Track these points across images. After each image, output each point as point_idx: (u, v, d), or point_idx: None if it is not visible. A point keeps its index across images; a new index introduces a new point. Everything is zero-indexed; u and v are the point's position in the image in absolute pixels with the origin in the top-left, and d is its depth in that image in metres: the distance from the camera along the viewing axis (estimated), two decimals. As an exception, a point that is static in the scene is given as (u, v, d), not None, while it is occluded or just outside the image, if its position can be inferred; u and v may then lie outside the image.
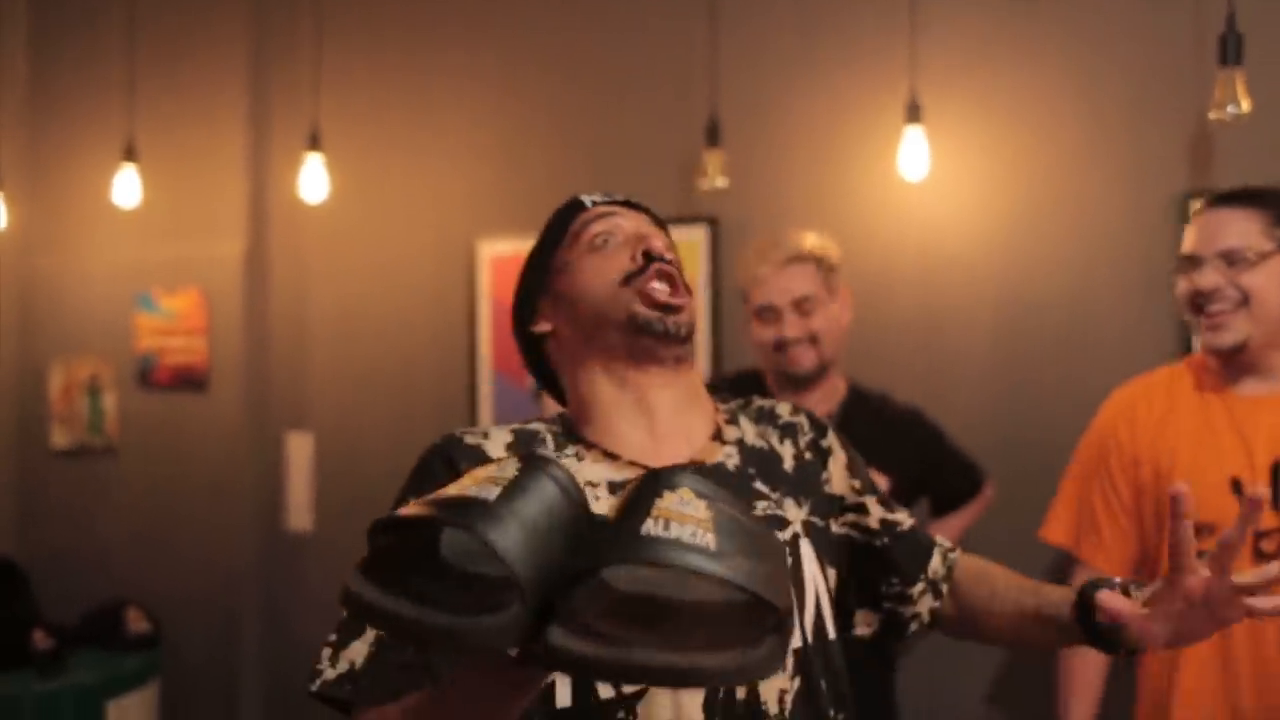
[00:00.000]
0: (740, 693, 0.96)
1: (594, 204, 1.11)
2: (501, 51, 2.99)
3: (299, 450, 3.21)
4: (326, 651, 0.96)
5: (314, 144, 2.85)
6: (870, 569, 1.14)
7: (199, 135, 3.24)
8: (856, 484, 1.15)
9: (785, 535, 1.04)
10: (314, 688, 0.95)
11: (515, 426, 1.07)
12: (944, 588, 1.15)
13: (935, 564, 1.16)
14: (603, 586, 0.65)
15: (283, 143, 3.18)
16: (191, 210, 3.25)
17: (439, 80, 3.06)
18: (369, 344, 3.13)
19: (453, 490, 0.69)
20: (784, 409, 1.15)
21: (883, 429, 2.03)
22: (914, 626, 1.16)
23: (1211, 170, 2.29)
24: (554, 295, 1.09)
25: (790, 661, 1.00)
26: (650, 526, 0.63)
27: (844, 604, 1.13)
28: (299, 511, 3.20)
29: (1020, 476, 2.30)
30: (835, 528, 1.12)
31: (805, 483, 1.10)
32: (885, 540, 1.14)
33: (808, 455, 1.12)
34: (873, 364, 2.42)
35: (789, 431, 1.13)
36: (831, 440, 1.15)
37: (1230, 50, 1.98)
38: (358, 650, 0.94)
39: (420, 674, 0.91)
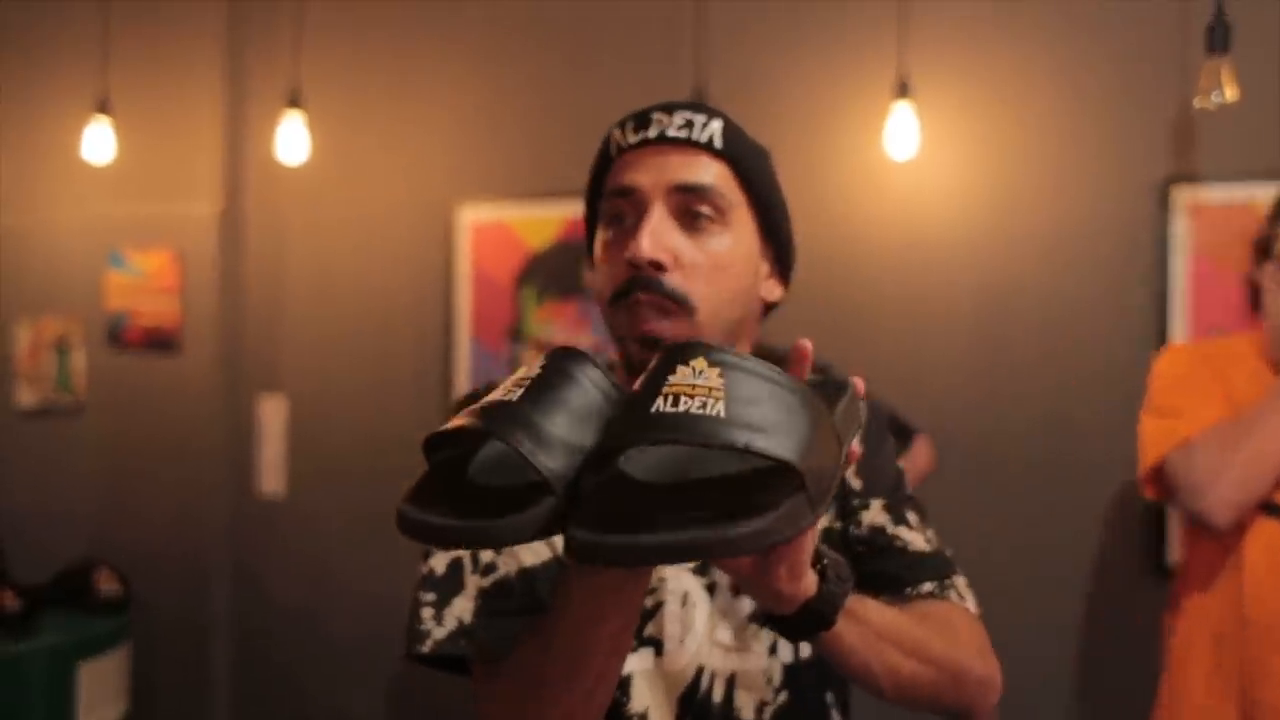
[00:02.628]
0: (717, 697, 0.97)
1: (621, 150, 0.97)
2: (486, 15, 2.95)
3: (272, 413, 3.18)
4: (427, 611, 0.92)
5: (294, 102, 2.80)
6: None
7: (175, 90, 3.17)
8: (859, 484, 1.06)
9: None
10: (424, 649, 0.91)
11: None
12: None
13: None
14: (621, 476, 0.64)
15: (260, 101, 3.12)
16: (166, 167, 3.18)
17: (422, 42, 3.02)
18: (345, 308, 3.10)
19: (485, 400, 0.69)
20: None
21: None
22: None
23: (1194, 157, 2.32)
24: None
25: (779, 676, 0.99)
26: (660, 405, 0.61)
27: None
28: (271, 475, 3.18)
29: (998, 454, 2.33)
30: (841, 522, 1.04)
31: None
32: (861, 549, 1.03)
33: None
34: (853, 342, 2.44)
35: None
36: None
37: (1218, 38, 2.00)
38: (462, 606, 0.92)
39: (531, 617, 0.88)
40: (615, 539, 0.59)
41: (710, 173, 0.94)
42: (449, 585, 0.93)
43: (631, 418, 0.63)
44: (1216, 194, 2.30)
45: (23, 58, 3.35)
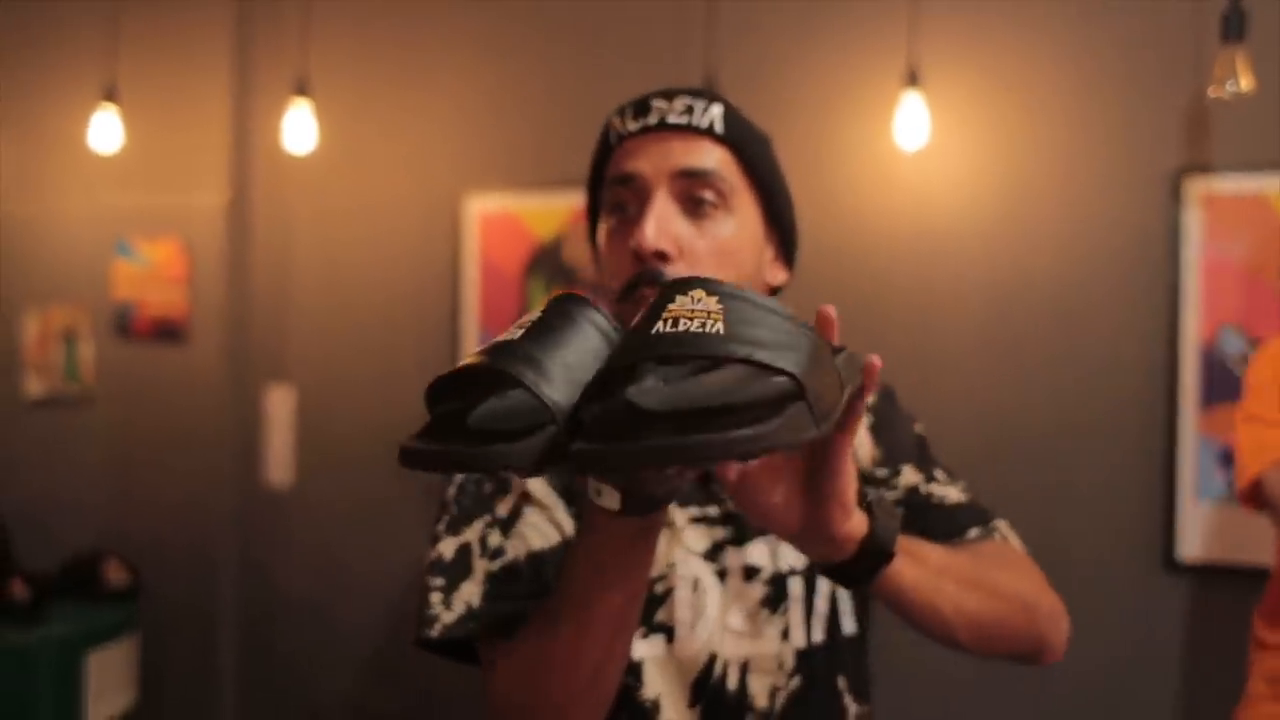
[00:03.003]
0: (730, 683, 0.97)
1: (622, 138, 0.97)
2: (495, 4, 2.94)
3: (280, 403, 3.18)
4: (436, 597, 0.92)
5: (301, 92, 2.79)
6: None
7: (182, 79, 3.16)
8: (879, 453, 1.07)
9: None
10: (433, 633, 0.90)
11: None
12: None
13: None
14: (623, 400, 0.64)
15: (268, 90, 3.12)
16: (173, 156, 3.18)
17: (429, 31, 3.01)
18: (353, 298, 3.09)
19: (488, 342, 0.70)
20: None
21: None
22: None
23: (1207, 147, 2.30)
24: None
25: (791, 661, 0.99)
26: (660, 327, 0.62)
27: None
28: (278, 465, 3.18)
29: (1007, 446, 2.32)
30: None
31: None
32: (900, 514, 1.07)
33: None
34: (861, 332, 2.42)
35: None
36: (870, 403, 1.05)
37: (1233, 27, 1.98)
38: (470, 591, 0.91)
39: (539, 599, 0.88)
40: (616, 445, 0.60)
41: (712, 158, 0.94)
42: (457, 570, 0.93)
43: (632, 340, 0.64)
44: (1229, 185, 2.28)
45: (30, 46, 3.35)
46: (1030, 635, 0.96)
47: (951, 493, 1.07)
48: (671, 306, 0.63)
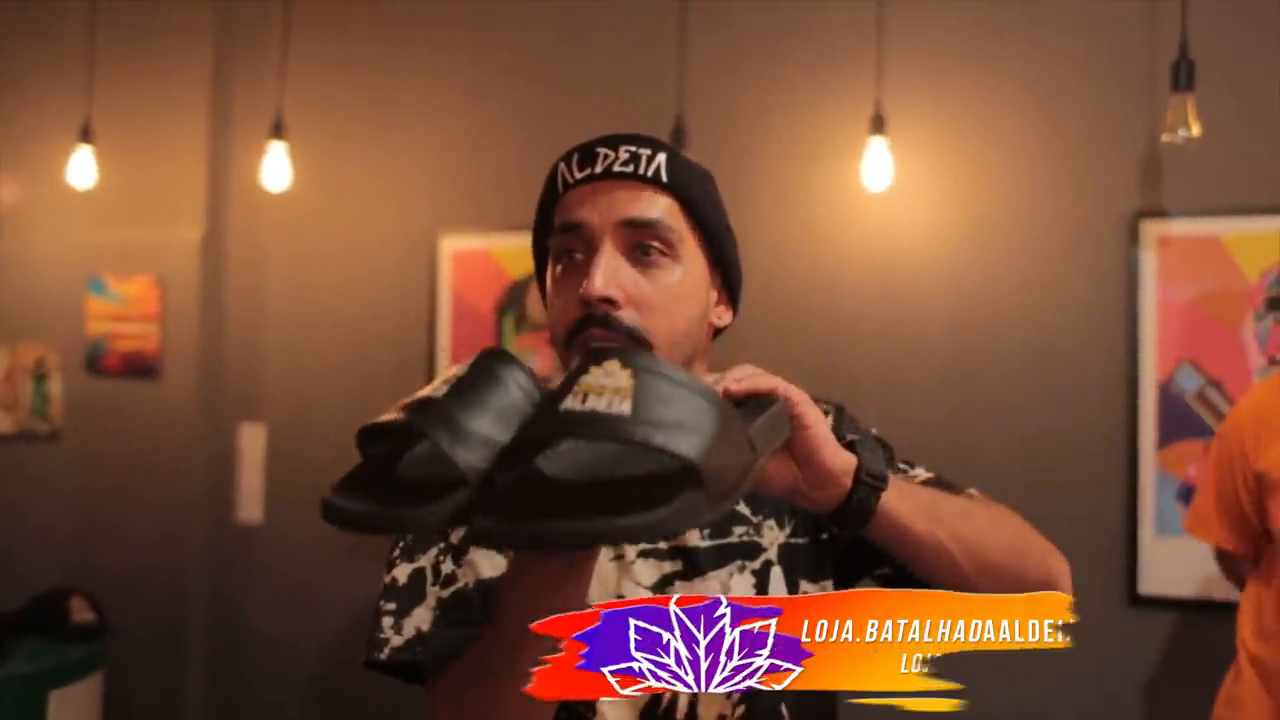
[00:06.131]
0: (679, 711, 0.99)
1: (569, 185, 0.98)
2: (469, 47, 2.99)
3: (251, 441, 3.17)
4: (387, 620, 0.93)
5: (278, 132, 2.82)
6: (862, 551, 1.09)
7: (158, 118, 3.18)
8: None
9: (756, 565, 1.03)
10: (382, 656, 0.92)
11: None
12: None
13: None
14: (531, 471, 0.67)
15: (244, 129, 3.14)
16: (148, 194, 3.19)
17: (405, 74, 3.05)
18: (327, 337, 3.10)
19: (413, 396, 0.73)
20: None
21: None
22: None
23: (1162, 190, 2.38)
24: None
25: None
26: (569, 403, 0.64)
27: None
28: (249, 503, 3.16)
29: (971, 485, 2.36)
30: (825, 533, 1.08)
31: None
32: None
33: None
34: (827, 370, 2.47)
35: None
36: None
37: (1183, 76, 2.06)
38: (421, 616, 0.93)
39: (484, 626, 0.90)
40: (508, 525, 0.63)
41: (658, 207, 0.95)
42: (410, 596, 0.94)
43: (541, 415, 0.66)
44: (1183, 228, 2.35)
45: (7, 84, 3.36)
46: (1036, 565, 0.99)
47: (920, 472, 1.11)
48: (584, 380, 0.65)
